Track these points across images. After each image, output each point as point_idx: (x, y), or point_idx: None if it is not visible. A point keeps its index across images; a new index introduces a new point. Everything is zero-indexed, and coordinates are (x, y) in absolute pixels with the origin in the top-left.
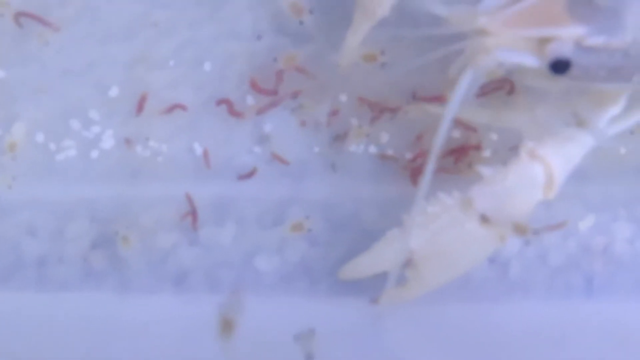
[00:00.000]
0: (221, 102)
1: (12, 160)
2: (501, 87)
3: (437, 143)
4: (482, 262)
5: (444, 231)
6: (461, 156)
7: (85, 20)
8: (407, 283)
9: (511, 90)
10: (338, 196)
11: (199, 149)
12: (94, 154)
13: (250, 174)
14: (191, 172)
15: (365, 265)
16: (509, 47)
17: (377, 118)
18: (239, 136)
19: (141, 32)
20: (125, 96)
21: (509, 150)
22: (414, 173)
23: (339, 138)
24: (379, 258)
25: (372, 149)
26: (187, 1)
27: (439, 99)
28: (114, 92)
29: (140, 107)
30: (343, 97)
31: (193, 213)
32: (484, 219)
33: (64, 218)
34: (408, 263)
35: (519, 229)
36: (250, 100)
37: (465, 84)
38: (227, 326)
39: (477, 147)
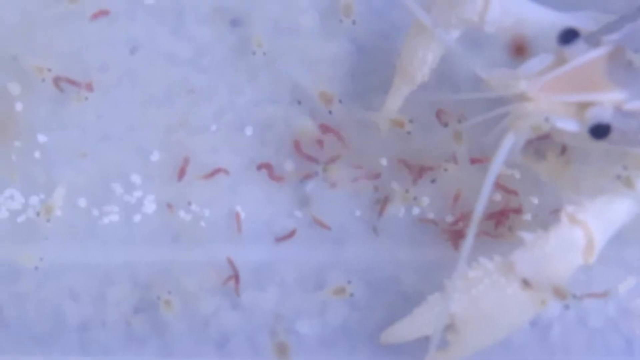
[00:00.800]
0: (262, 166)
1: (51, 224)
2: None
3: (479, 207)
4: (523, 325)
5: (485, 295)
6: (502, 220)
7: (126, 84)
8: (448, 347)
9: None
10: (379, 260)
11: (240, 213)
12: (137, 218)
13: (289, 236)
14: (233, 235)
15: (406, 329)
16: (549, 112)
17: (417, 179)
18: (279, 200)
19: (181, 96)
20: (167, 160)
21: (550, 214)
22: (454, 236)
23: (380, 202)
24: (420, 322)
25: (413, 213)
26: (225, 67)
27: (479, 161)
28: (155, 156)
29: (182, 171)
30: (383, 161)
31: (235, 277)
32: (525, 283)
33: (106, 282)
34: (449, 327)
35: (559, 294)
36: (290, 164)
37: (506, 148)
38: None
39: (518, 211)
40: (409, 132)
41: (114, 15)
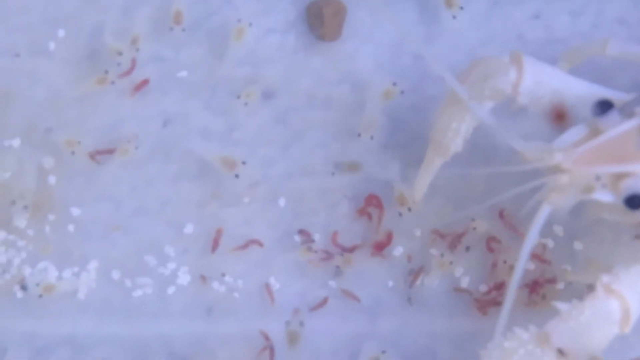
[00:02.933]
0: (301, 232)
1: (83, 297)
2: None
3: (516, 278)
4: None
5: None
6: (536, 289)
7: (159, 158)
8: None
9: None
10: (413, 330)
11: (274, 285)
12: (170, 290)
13: (321, 305)
14: (267, 307)
15: None
16: (582, 187)
17: (454, 247)
18: (313, 271)
19: (214, 169)
20: (200, 233)
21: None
22: (488, 306)
23: (414, 272)
24: None
25: (447, 282)
26: (258, 139)
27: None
28: (188, 229)
29: (215, 243)
30: (417, 232)
31: (270, 349)
32: (561, 353)
33: (140, 355)
34: None
35: None
36: (324, 233)
37: (541, 220)
38: None
39: (552, 281)
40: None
41: (146, 89)
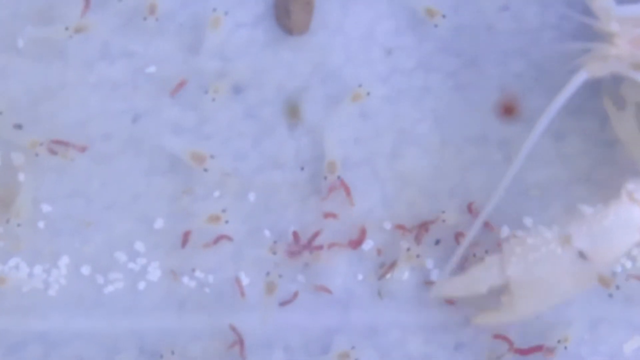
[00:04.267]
0: (267, 232)
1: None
2: None
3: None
4: (574, 297)
5: (540, 263)
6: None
7: (130, 153)
8: (501, 308)
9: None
10: (384, 324)
11: (244, 279)
12: (141, 285)
13: (291, 300)
14: (237, 302)
15: (459, 285)
16: (627, 63)
17: (419, 240)
18: (283, 265)
19: (184, 164)
20: (171, 228)
21: None
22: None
23: (384, 266)
24: (475, 280)
25: (417, 275)
26: (229, 133)
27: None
28: (159, 224)
29: (185, 238)
30: (387, 225)
31: (240, 343)
32: (581, 255)
33: (112, 350)
34: (503, 289)
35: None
36: (294, 229)
37: (575, 84)
38: None
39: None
40: None
41: (115, 84)
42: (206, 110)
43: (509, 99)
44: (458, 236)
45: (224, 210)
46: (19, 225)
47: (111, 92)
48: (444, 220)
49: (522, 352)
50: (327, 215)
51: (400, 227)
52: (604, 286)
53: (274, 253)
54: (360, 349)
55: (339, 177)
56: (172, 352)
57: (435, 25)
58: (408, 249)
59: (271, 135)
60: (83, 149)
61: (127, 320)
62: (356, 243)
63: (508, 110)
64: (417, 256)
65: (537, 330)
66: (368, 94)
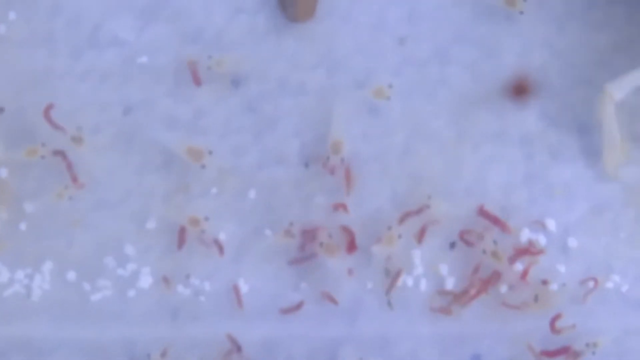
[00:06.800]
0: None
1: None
2: None
3: None
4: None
5: None
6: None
7: (120, 148)
8: None
9: None
10: (394, 334)
11: (243, 287)
12: (131, 293)
13: (295, 308)
14: (236, 311)
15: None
16: None
17: (402, 221)
18: (285, 271)
19: (179, 159)
20: (164, 228)
21: (580, 283)
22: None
23: (394, 272)
24: None
25: (431, 283)
26: (227, 127)
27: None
28: (151, 224)
29: (180, 241)
30: (397, 226)
31: (239, 353)
32: None
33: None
34: None
35: None
36: (297, 229)
37: None
38: None
39: (545, 282)
40: None
41: (106, 74)
42: (202, 103)
43: (530, 92)
44: (464, 234)
45: (221, 209)
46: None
47: (101, 82)
48: (459, 222)
49: (549, 354)
50: (338, 206)
51: (410, 227)
52: None
53: (277, 257)
54: None
55: (342, 160)
56: (162, 355)
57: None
58: (390, 228)
59: (273, 130)
60: (74, 141)
61: (115, 329)
62: (351, 247)
63: (529, 104)
64: (399, 236)
65: (565, 335)
66: (390, 86)
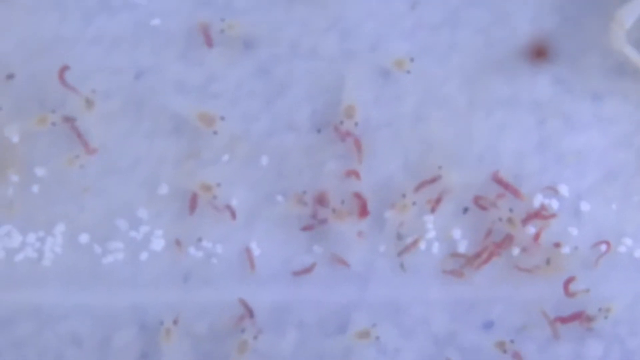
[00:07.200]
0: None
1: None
2: None
3: None
4: None
5: None
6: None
7: (131, 113)
8: None
9: None
10: (406, 299)
11: (256, 250)
12: (143, 256)
13: (307, 271)
14: (248, 274)
15: None
16: None
17: (419, 188)
18: (297, 235)
19: (191, 125)
20: (176, 194)
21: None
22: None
23: (406, 237)
24: None
25: (441, 248)
26: (239, 93)
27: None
28: (163, 190)
29: (192, 205)
30: (410, 193)
31: (251, 318)
32: None
33: (110, 327)
34: None
35: None
36: (309, 196)
37: None
38: None
39: (557, 245)
40: None
41: (118, 38)
42: (214, 67)
43: (542, 57)
44: (477, 200)
45: (233, 176)
46: (11, 190)
47: (112, 46)
48: (472, 189)
49: (563, 320)
50: (350, 173)
51: (423, 195)
52: None
53: (289, 221)
54: (381, 326)
55: (356, 124)
56: (175, 322)
57: None
58: (404, 195)
59: (285, 95)
60: (87, 103)
61: (127, 294)
62: (363, 213)
63: (542, 70)
64: (414, 203)
65: (578, 300)
66: (412, 59)
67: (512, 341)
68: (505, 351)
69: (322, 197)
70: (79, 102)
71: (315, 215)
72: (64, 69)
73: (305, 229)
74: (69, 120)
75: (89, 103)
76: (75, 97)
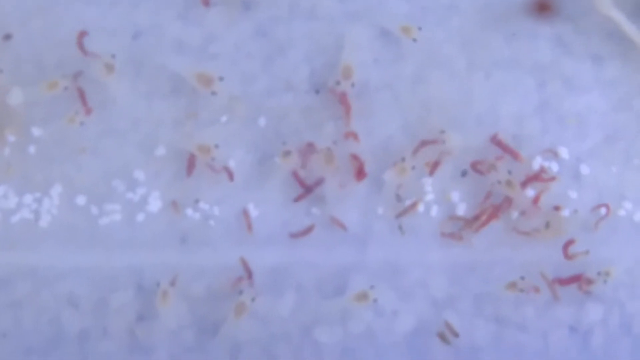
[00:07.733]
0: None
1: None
2: None
3: None
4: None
5: None
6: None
7: (129, 74)
8: None
9: None
10: (405, 262)
11: (253, 212)
12: (140, 217)
13: (306, 232)
14: (245, 236)
15: None
16: None
17: (418, 150)
18: (294, 197)
19: (189, 86)
20: (173, 155)
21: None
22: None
23: (404, 199)
24: None
25: (440, 210)
26: (237, 53)
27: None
28: (160, 151)
29: (190, 167)
30: (408, 155)
31: (249, 279)
32: None
33: (107, 288)
34: None
35: None
36: (307, 157)
37: None
38: None
39: (557, 208)
40: None
41: None
42: (212, 27)
43: (546, 11)
44: (476, 164)
45: (231, 137)
46: (8, 150)
47: (110, 6)
48: (471, 152)
49: (562, 282)
50: (348, 134)
51: (422, 157)
52: None
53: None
54: (379, 289)
55: (353, 85)
56: (172, 284)
57: None
58: (403, 159)
59: (283, 56)
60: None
61: (124, 256)
62: (360, 174)
63: (542, 32)
64: (413, 168)
65: (578, 262)
66: (420, 29)
67: (522, 277)
68: (521, 290)
69: (319, 158)
70: (84, 64)
71: (313, 176)
72: (83, 34)
73: (299, 198)
74: (76, 76)
75: (109, 67)
76: (79, 60)
